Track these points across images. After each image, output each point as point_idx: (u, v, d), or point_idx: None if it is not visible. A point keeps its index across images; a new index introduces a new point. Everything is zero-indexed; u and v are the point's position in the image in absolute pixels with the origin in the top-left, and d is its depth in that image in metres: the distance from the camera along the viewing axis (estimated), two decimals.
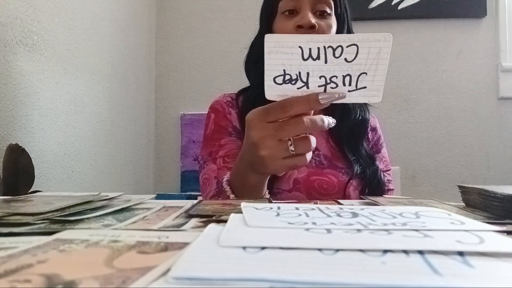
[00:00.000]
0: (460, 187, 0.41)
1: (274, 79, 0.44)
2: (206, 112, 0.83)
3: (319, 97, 0.44)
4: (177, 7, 1.63)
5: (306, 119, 0.46)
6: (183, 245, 0.21)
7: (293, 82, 0.45)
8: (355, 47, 0.42)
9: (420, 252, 0.19)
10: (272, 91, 0.45)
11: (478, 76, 1.56)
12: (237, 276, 0.15)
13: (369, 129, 0.83)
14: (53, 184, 0.87)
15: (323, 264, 0.17)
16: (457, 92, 1.56)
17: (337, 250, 0.19)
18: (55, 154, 0.89)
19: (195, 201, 0.39)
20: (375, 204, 0.41)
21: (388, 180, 0.79)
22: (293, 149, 0.46)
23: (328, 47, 0.42)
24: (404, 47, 1.58)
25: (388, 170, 0.82)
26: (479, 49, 1.56)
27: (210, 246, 0.20)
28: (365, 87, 0.44)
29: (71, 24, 0.96)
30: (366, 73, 0.44)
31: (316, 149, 0.75)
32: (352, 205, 0.38)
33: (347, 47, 0.42)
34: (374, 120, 0.88)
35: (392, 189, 0.81)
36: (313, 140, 0.48)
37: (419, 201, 0.42)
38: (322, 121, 0.47)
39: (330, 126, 0.48)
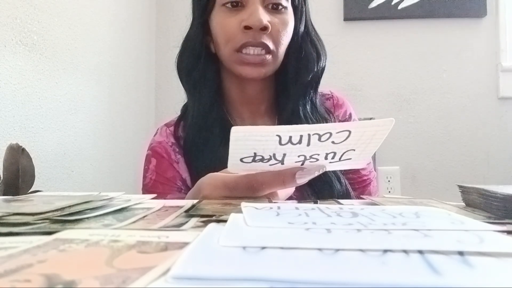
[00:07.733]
0: (460, 187, 0.41)
1: (241, 159, 0.37)
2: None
3: (296, 176, 0.37)
4: (177, 7, 1.63)
5: (281, 194, 0.41)
6: (183, 245, 0.21)
7: (265, 161, 0.37)
8: (347, 132, 0.35)
9: (420, 252, 0.19)
10: (238, 167, 0.39)
11: (478, 76, 1.56)
12: (237, 276, 0.15)
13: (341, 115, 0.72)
14: (53, 184, 0.87)
15: (323, 264, 0.17)
16: (457, 92, 1.56)
17: (337, 250, 0.19)
18: (55, 154, 0.89)
19: (195, 201, 0.39)
20: (375, 204, 0.41)
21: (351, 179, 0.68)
22: None
23: (313, 134, 0.34)
24: (404, 47, 1.57)
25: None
26: (479, 49, 1.56)
27: (210, 246, 0.20)
28: (349, 159, 0.38)
29: (71, 24, 0.96)
30: (354, 150, 0.37)
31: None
32: (352, 205, 0.38)
33: (337, 133, 0.35)
34: (345, 105, 0.73)
35: (370, 181, 0.70)
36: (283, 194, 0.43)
37: (419, 201, 0.42)
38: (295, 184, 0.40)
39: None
